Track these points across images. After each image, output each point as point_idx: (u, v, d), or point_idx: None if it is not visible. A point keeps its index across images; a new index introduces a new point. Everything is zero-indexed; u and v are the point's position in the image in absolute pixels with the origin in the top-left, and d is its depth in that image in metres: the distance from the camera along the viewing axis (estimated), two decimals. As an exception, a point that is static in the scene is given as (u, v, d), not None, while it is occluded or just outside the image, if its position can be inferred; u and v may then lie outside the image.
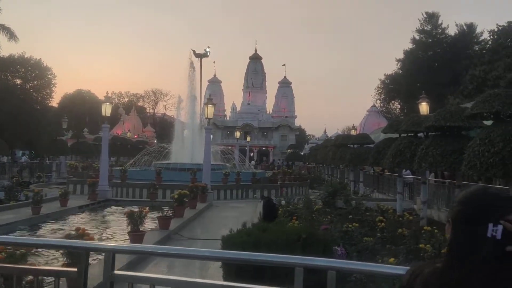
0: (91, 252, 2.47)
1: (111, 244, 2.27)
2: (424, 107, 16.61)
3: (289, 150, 54.99)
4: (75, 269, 2.23)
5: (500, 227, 1.24)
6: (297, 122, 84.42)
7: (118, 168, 22.42)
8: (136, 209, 8.69)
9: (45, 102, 48.18)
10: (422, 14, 44.49)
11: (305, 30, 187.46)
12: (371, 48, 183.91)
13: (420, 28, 44.02)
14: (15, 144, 43.71)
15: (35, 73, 46.36)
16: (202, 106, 28.18)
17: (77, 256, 2.28)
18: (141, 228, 8.36)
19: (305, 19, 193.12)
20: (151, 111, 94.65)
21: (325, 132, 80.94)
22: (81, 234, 5.77)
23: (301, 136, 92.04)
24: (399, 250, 8.38)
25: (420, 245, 8.71)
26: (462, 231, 1.29)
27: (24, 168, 29.81)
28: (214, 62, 79.44)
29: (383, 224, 11.62)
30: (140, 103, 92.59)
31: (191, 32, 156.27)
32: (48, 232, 11.03)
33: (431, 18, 43.75)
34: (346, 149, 24.44)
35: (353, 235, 9.67)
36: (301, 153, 55.23)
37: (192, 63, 27.04)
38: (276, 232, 3.29)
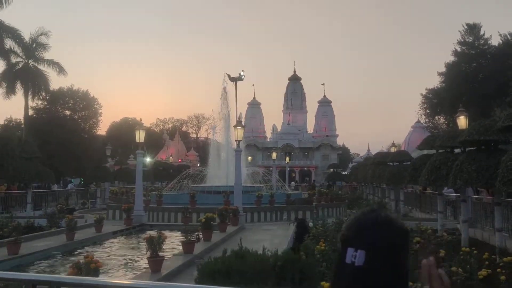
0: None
1: (56, 276, 2.21)
2: (462, 121, 15.82)
3: (330, 170, 54.08)
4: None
5: (360, 253, 1.13)
6: (340, 141, 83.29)
7: (155, 193, 22.84)
8: (162, 233, 8.72)
9: (92, 131, 50.37)
10: (463, 26, 43.03)
11: (343, 47, 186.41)
12: (412, 62, 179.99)
13: (462, 40, 42.45)
14: (66, 172, 45.80)
15: (82, 104, 48.72)
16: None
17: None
18: (162, 253, 8.36)
19: (342, 37, 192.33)
20: (194, 135, 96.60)
21: (368, 149, 79.18)
22: (88, 261, 5.85)
23: (345, 155, 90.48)
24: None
25: (452, 268, 8.14)
26: (338, 255, 1.22)
27: (70, 195, 31.01)
28: (253, 85, 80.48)
29: (418, 245, 11.03)
30: (184, 128, 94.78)
31: (231, 56, 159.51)
32: (79, 258, 11.30)
33: (473, 29, 42.16)
34: (384, 167, 23.73)
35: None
36: (343, 173, 54.13)
37: (225, 87, 27.43)
38: (254, 259, 3.13)
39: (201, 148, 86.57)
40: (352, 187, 44.55)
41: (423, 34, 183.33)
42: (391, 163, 23.71)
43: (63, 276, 2.29)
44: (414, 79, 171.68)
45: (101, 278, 3.50)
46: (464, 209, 13.20)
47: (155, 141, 71.11)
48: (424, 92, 48.97)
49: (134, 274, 9.00)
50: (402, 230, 1.22)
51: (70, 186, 33.73)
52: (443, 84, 44.05)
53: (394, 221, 1.22)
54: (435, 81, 48.31)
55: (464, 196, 13.54)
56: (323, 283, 6.15)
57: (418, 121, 59.82)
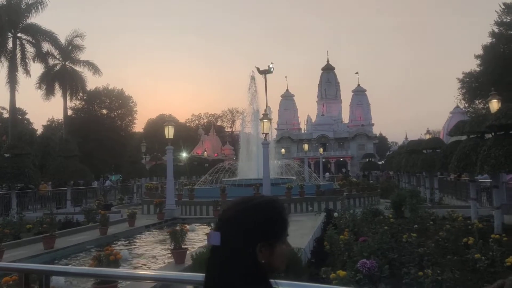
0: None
1: (49, 266, 2.41)
2: (494, 105, 15.21)
3: (365, 160, 53.24)
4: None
5: (215, 233, 1.25)
6: (377, 130, 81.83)
7: (187, 187, 23.32)
8: (196, 226, 8.98)
9: (128, 128, 51.88)
10: (500, 6, 41.05)
11: (376, 34, 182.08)
12: (449, 45, 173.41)
13: (499, 20, 40.55)
14: (104, 169, 47.50)
15: (118, 103, 50.23)
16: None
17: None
18: (183, 245, 8.61)
19: (376, 23, 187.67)
20: (229, 129, 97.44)
21: (406, 137, 77.31)
22: (107, 254, 6.14)
23: (383, 144, 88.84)
24: (445, 262, 7.71)
25: (476, 256, 7.94)
26: None
27: (109, 191, 32.15)
28: (286, 77, 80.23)
29: (443, 233, 10.79)
30: (219, 123, 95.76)
31: (263, 49, 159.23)
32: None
33: (510, 8, 40.14)
34: (418, 155, 23.18)
35: (405, 245, 9.13)
36: (379, 162, 53.19)
37: (253, 79, 27.52)
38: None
39: (236, 142, 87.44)
40: (387, 176, 43.79)
41: (458, 15, 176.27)
42: (424, 151, 23.16)
43: (55, 266, 2.47)
44: (453, 62, 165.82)
45: (107, 269, 3.69)
46: (496, 195, 12.76)
47: (190, 136, 72.27)
48: (460, 76, 47.27)
49: (159, 266, 9.31)
50: (259, 213, 1.25)
51: (107, 182, 34.93)
52: (481, 67, 42.35)
53: (257, 204, 1.27)
54: (472, 64, 46.49)
55: (496, 181, 13.07)
56: (339, 271, 6.20)
57: (457, 106, 57.92)
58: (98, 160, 40.14)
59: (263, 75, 32.58)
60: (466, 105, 53.10)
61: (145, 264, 9.68)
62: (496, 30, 40.60)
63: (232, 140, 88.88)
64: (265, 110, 18.61)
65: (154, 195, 23.27)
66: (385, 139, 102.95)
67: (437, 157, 19.79)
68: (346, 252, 8.96)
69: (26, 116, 59.34)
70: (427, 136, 28.70)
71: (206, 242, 11.40)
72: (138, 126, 63.25)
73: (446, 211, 15.22)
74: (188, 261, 8.55)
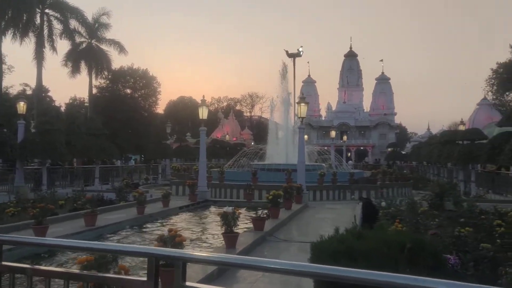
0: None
1: (182, 251, 2.00)
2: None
3: (389, 149, 52.32)
4: (145, 279, 2.01)
5: None
6: (397, 120, 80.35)
7: (216, 169, 23.05)
8: (230, 209, 8.61)
9: (151, 109, 51.74)
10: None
11: (402, 21, 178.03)
12: (478, 35, 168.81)
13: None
14: (127, 149, 47.59)
15: (142, 83, 50.00)
16: (295, 107, 27.93)
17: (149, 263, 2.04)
18: (235, 229, 8.26)
19: (401, 9, 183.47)
20: (248, 114, 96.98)
21: (428, 128, 76.02)
22: (172, 235, 5.78)
23: (402, 134, 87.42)
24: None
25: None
26: None
27: (134, 171, 32.13)
28: (308, 62, 79.02)
29: (502, 228, 10.24)
30: (238, 107, 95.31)
31: (285, 33, 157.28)
32: (152, 230, 11.52)
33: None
34: (453, 146, 22.48)
35: (467, 241, 8.60)
36: (402, 152, 52.26)
37: (284, 63, 26.96)
38: (374, 240, 2.79)
39: (255, 127, 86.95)
40: (411, 167, 42.95)
41: (491, 5, 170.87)
42: (460, 142, 22.41)
43: (191, 253, 2.06)
44: (479, 54, 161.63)
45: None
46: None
47: (210, 120, 71.87)
48: (494, 66, 45.80)
49: (208, 250, 8.98)
50: None
51: (131, 162, 34.93)
52: (517, 58, 40.93)
53: None
54: (502, 56, 44.88)
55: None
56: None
57: (485, 98, 56.45)
58: (122, 139, 40.08)
59: (292, 58, 31.89)
60: (494, 97, 51.66)
61: (199, 246, 9.39)
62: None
63: (251, 124, 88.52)
64: (302, 93, 18.03)
65: (182, 176, 23.06)
66: (405, 129, 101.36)
67: (479, 149, 19.07)
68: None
69: (49, 94, 59.82)
70: (461, 127, 27.80)
71: (244, 226, 11.10)
72: (160, 108, 63.22)
73: (490, 205, 14.62)
74: (239, 246, 8.21)
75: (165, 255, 2.14)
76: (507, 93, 50.55)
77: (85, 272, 2.48)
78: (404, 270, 2.56)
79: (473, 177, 21.14)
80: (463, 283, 1.60)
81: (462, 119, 30.55)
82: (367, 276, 1.68)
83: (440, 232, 7.85)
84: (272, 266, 1.98)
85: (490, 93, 51.78)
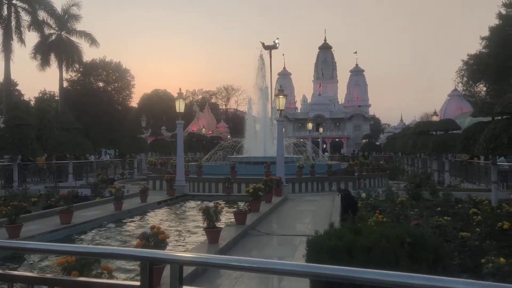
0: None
1: (178, 254, 1.86)
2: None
3: (364, 140, 53.02)
4: (138, 283, 1.87)
5: None
6: (371, 111, 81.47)
7: (194, 163, 22.78)
8: (211, 204, 8.47)
9: (125, 102, 50.79)
10: (509, -14, 40.38)
11: (375, 13, 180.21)
12: (449, 28, 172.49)
13: (507, 2, 39.95)
14: (101, 143, 46.59)
15: (115, 76, 48.96)
16: (273, 99, 27.87)
17: (142, 266, 1.90)
18: (217, 224, 8.12)
19: (375, 2, 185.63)
20: (223, 107, 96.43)
21: (401, 120, 77.36)
22: (156, 233, 5.60)
23: (376, 125, 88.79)
24: (504, 247, 7.35)
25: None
26: None
27: (109, 166, 31.47)
28: (283, 54, 79.22)
29: (479, 217, 10.47)
30: (213, 100, 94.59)
31: (259, 25, 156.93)
32: (131, 228, 11.26)
33: (520, -10, 39.53)
34: (428, 136, 22.83)
35: (447, 230, 8.73)
36: (377, 143, 53.04)
37: (261, 55, 26.83)
38: (373, 235, 2.72)
39: (231, 120, 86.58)
40: (386, 158, 43.63)
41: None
42: (434, 132, 22.81)
43: (187, 255, 1.92)
44: (451, 46, 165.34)
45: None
46: (525, 180, 12.44)
47: (185, 113, 70.95)
48: (465, 58, 46.81)
49: (191, 246, 8.82)
50: None
51: (107, 157, 34.18)
52: (486, 50, 41.90)
53: None
54: (478, 47, 45.86)
55: (525, 165, 12.74)
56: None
57: (455, 89, 57.73)
58: (95, 133, 39.20)
59: (268, 50, 31.74)
60: (464, 88, 52.88)
61: (177, 241, 9.20)
62: (503, 12, 40.01)
63: (226, 117, 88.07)
64: (281, 86, 17.94)
65: (159, 171, 22.70)
66: (378, 120, 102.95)
67: (452, 139, 19.45)
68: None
69: (17, 87, 57.85)
70: (435, 118, 28.35)
71: (225, 220, 10.97)
72: (133, 101, 62.08)
73: (465, 194, 14.95)
74: (222, 241, 8.09)
75: (160, 258, 2.00)
76: (477, 84, 51.78)
77: (66, 278, 2.31)
78: (405, 266, 2.50)
79: (447, 167, 21.57)
80: (482, 282, 1.53)
81: (435, 110, 31.17)
82: (380, 276, 1.58)
83: (423, 222, 7.90)
84: (273, 267, 1.87)
85: (460, 85, 52.95)
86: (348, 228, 2.99)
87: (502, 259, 5.24)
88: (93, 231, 10.40)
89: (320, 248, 2.65)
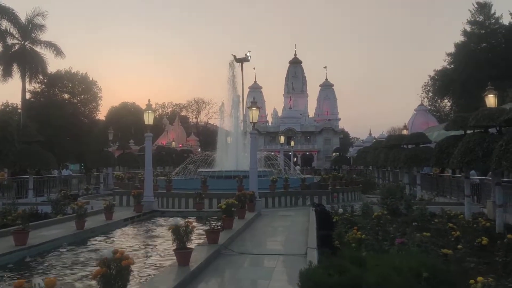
0: None
1: None
2: (491, 100, 14.92)
3: (334, 154, 53.27)
4: None
5: None
6: (341, 125, 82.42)
7: (163, 178, 21.97)
8: (181, 222, 7.83)
9: (92, 115, 49.29)
10: (473, 4, 41.95)
11: (344, 29, 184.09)
12: (416, 44, 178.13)
13: (472, 19, 41.42)
14: (66, 157, 44.82)
15: (82, 88, 47.50)
16: (245, 112, 27.47)
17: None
18: (188, 244, 7.51)
19: (343, 18, 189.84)
20: (194, 120, 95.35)
21: (370, 133, 78.50)
22: (118, 258, 4.97)
23: (345, 139, 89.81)
24: (489, 264, 7.06)
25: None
26: None
27: (70, 181, 30.04)
28: (254, 68, 79.17)
29: (457, 232, 10.24)
30: (183, 113, 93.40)
31: (230, 39, 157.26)
32: (94, 247, 10.44)
33: (483, 8, 41.08)
34: (399, 150, 22.91)
35: (428, 248, 8.42)
36: (347, 156, 53.40)
37: (233, 68, 26.43)
38: (380, 268, 2.26)
39: (201, 133, 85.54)
40: (358, 171, 43.86)
41: (429, 14, 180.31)
42: (405, 146, 22.93)
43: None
44: (417, 61, 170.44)
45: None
46: (498, 193, 12.39)
47: (155, 126, 69.51)
48: (432, 73, 48.14)
49: (159, 268, 8.14)
50: None
51: (66, 172, 32.69)
52: (452, 65, 43.18)
53: None
54: (443, 63, 47.29)
55: (498, 179, 12.72)
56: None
57: (421, 104, 59.18)
58: (59, 147, 37.66)
59: (240, 63, 31.43)
60: (429, 102, 54.32)
61: (143, 265, 8.47)
62: (468, 29, 41.40)
63: (197, 130, 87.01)
64: (254, 98, 17.55)
65: (126, 186, 21.77)
66: (348, 134, 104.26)
67: (423, 152, 19.51)
68: (364, 252, 8.16)
69: (-23, 99, 55.40)
70: (405, 132, 28.63)
71: (196, 237, 10.34)
72: (101, 114, 60.40)
73: (438, 208, 14.85)
74: (193, 263, 7.48)
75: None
76: (442, 99, 53.28)
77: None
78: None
79: (419, 180, 21.62)
80: None
81: (405, 124, 31.54)
82: None
83: (407, 240, 7.54)
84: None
85: (426, 99, 54.37)
86: (350, 258, 2.51)
87: (490, 279, 4.89)
88: (50, 253, 9.53)
89: (317, 286, 2.16)
